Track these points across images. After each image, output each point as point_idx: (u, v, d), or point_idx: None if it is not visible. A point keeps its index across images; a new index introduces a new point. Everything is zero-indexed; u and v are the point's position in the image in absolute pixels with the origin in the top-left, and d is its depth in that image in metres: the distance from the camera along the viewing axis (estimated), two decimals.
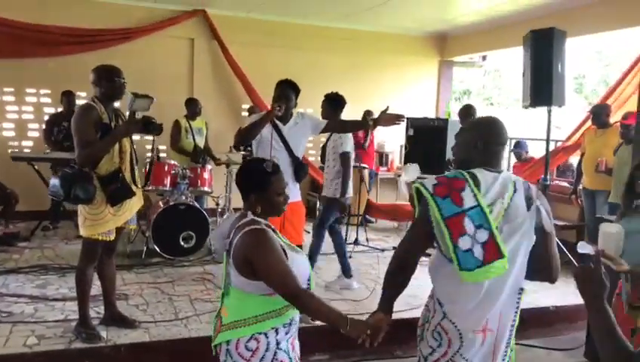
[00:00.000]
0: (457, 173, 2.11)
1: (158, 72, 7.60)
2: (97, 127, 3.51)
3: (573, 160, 7.01)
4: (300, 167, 4.05)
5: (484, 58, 9.93)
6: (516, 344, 2.28)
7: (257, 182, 2.12)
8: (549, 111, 5.13)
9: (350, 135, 5.06)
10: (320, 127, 4.20)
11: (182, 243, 5.71)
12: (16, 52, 7.06)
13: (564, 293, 4.82)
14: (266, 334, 2.04)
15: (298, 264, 2.11)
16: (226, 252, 2.10)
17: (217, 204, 6.70)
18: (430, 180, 2.10)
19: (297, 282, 2.03)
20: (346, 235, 6.72)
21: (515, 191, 2.10)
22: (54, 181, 3.60)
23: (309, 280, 2.17)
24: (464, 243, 1.98)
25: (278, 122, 4.01)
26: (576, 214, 6.14)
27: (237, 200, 7.49)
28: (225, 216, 6.66)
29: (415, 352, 2.23)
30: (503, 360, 2.15)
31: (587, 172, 5.79)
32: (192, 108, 6.84)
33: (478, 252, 1.98)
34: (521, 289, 2.14)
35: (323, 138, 6.90)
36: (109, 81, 3.58)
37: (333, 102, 4.90)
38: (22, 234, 6.29)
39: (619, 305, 2.92)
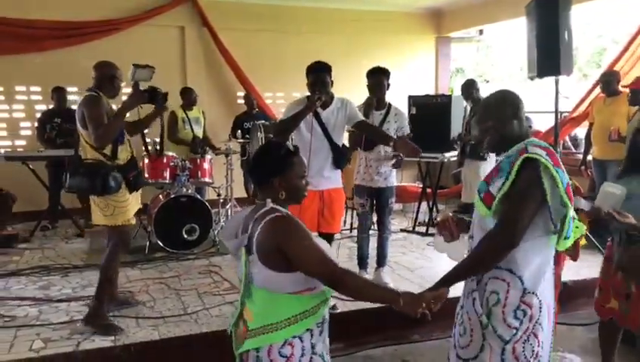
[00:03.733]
0: (543, 144, 2.06)
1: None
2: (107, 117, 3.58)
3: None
4: (340, 154, 3.90)
5: (480, 32, 9.74)
6: None
7: (278, 164, 1.97)
8: (557, 81, 4.97)
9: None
10: (351, 122, 3.97)
11: (185, 236, 5.56)
12: (0, 49, 6.85)
13: (578, 267, 4.69)
14: (300, 338, 1.88)
15: (327, 250, 1.96)
16: (245, 248, 1.90)
17: (219, 195, 6.56)
18: (537, 150, 1.98)
19: (336, 263, 1.87)
20: (351, 221, 6.60)
21: None
22: (77, 178, 3.56)
23: None
24: (572, 211, 2.03)
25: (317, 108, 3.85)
26: (586, 186, 6.01)
27: (239, 190, 7.33)
28: (227, 207, 6.53)
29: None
30: (553, 319, 2.18)
31: (597, 142, 5.64)
32: (188, 97, 6.71)
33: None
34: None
35: None
36: (112, 82, 3.70)
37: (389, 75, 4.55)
38: (21, 236, 6.12)
39: (608, 270, 2.97)
